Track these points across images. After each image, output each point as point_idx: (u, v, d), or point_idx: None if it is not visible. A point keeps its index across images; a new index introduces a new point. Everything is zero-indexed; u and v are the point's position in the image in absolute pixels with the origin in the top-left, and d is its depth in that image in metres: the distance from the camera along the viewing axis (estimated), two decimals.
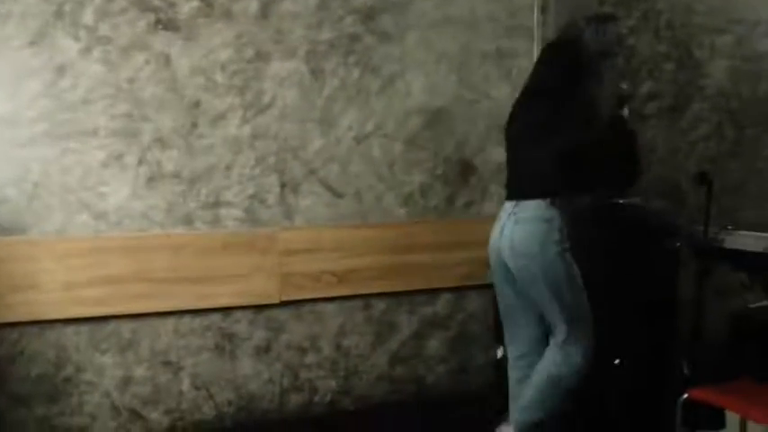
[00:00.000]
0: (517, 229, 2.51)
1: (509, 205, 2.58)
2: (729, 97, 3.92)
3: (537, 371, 2.55)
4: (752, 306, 3.24)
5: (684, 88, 3.81)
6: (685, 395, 2.48)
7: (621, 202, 2.94)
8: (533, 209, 2.50)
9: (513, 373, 2.68)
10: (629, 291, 2.81)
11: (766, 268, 2.83)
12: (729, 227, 2.94)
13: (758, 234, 2.82)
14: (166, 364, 2.95)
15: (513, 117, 2.70)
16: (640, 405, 2.84)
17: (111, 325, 2.86)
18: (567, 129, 2.49)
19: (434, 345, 3.39)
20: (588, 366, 2.51)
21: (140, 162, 2.88)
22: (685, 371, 2.86)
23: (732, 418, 2.67)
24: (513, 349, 2.68)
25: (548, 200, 2.48)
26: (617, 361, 2.84)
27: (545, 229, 2.46)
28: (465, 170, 3.39)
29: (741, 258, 2.84)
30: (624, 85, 2.62)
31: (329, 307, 3.19)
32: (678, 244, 2.97)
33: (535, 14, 3.45)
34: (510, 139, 2.68)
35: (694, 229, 2.92)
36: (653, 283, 2.91)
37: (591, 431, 2.63)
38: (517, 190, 2.58)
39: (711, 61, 3.86)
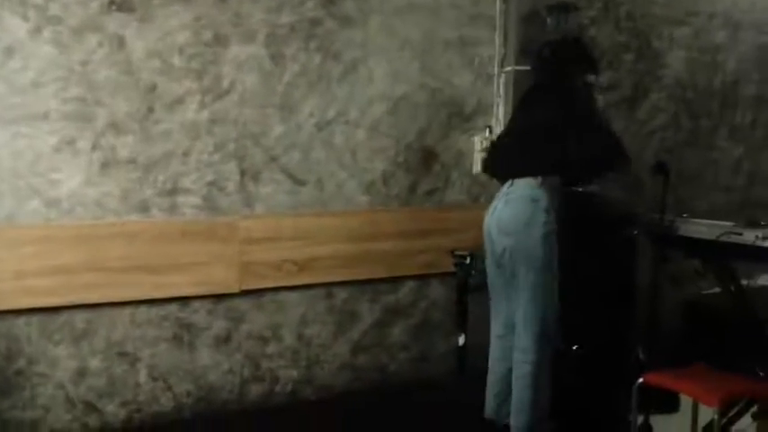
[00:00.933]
0: (506, 208, 2.63)
1: (504, 187, 2.69)
2: (686, 88, 4.00)
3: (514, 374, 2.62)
4: (705, 293, 3.33)
5: (643, 78, 3.87)
6: (641, 380, 2.54)
7: (581, 190, 2.97)
8: (523, 188, 2.60)
9: (492, 351, 2.76)
10: (589, 278, 2.86)
11: (718, 256, 2.90)
12: (685, 215, 3.00)
13: (711, 222, 2.89)
14: (122, 355, 2.89)
15: (519, 110, 2.85)
16: (597, 389, 2.89)
17: (64, 315, 2.78)
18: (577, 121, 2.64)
19: (397, 333, 3.39)
20: (544, 353, 2.58)
21: (94, 147, 2.79)
22: (641, 356, 2.93)
23: (685, 402, 2.74)
24: (494, 328, 2.77)
25: (538, 179, 2.58)
26: (575, 347, 2.89)
27: (532, 210, 2.56)
28: (427, 158, 3.38)
29: (695, 246, 2.91)
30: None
31: (290, 296, 3.16)
32: (635, 232, 3.02)
33: (497, 3, 3.45)
34: (516, 131, 2.80)
35: (651, 218, 2.97)
36: (611, 271, 2.96)
37: (549, 416, 2.67)
38: (512, 173, 2.68)
39: (670, 52, 3.92)
